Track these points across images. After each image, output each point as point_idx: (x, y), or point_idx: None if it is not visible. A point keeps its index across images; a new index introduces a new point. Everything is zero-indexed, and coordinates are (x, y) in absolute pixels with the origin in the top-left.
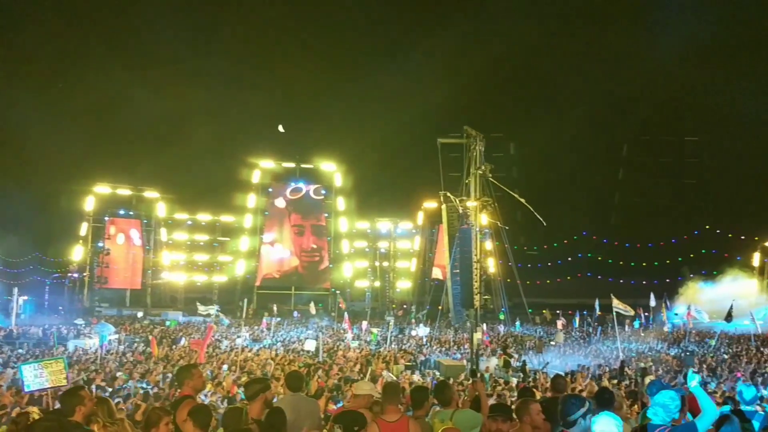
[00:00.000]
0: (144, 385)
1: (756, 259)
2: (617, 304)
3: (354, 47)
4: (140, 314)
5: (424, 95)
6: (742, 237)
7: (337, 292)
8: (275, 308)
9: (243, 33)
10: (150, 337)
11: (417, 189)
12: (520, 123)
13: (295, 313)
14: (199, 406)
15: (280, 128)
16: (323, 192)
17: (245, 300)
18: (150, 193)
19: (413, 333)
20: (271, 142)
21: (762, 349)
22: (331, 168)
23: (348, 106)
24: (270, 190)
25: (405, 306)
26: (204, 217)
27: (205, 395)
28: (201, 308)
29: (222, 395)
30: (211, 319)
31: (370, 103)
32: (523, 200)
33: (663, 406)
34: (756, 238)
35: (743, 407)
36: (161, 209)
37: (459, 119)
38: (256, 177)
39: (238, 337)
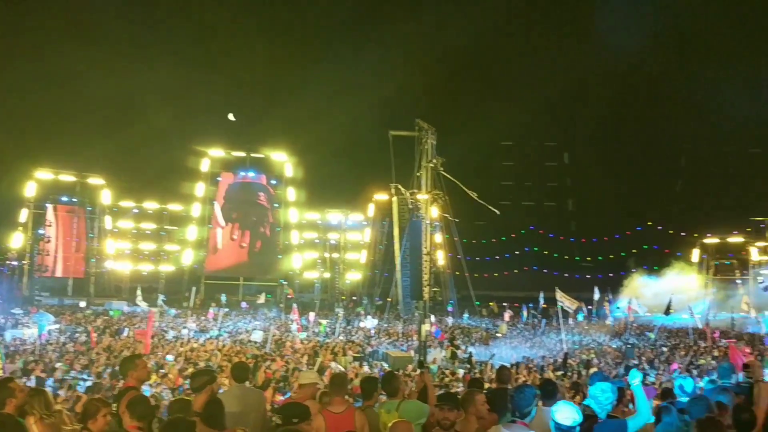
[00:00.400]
0: (85, 377)
1: (695, 255)
2: (561, 298)
3: (307, 38)
4: (83, 304)
5: (377, 88)
6: (683, 233)
7: (285, 282)
8: (224, 298)
9: (197, 19)
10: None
11: (368, 181)
12: (472, 117)
13: (243, 304)
14: (136, 397)
15: (231, 117)
16: (273, 182)
17: (192, 290)
18: (94, 180)
19: (362, 324)
20: (221, 131)
21: (699, 342)
22: (281, 158)
23: (300, 97)
24: (219, 179)
25: (354, 298)
26: (151, 205)
27: (150, 386)
28: (139, 299)
29: (168, 386)
30: (157, 309)
31: (323, 95)
32: (474, 194)
33: (595, 399)
34: (695, 235)
35: (682, 399)
36: (106, 196)
37: (411, 112)
38: (205, 165)
39: (185, 327)
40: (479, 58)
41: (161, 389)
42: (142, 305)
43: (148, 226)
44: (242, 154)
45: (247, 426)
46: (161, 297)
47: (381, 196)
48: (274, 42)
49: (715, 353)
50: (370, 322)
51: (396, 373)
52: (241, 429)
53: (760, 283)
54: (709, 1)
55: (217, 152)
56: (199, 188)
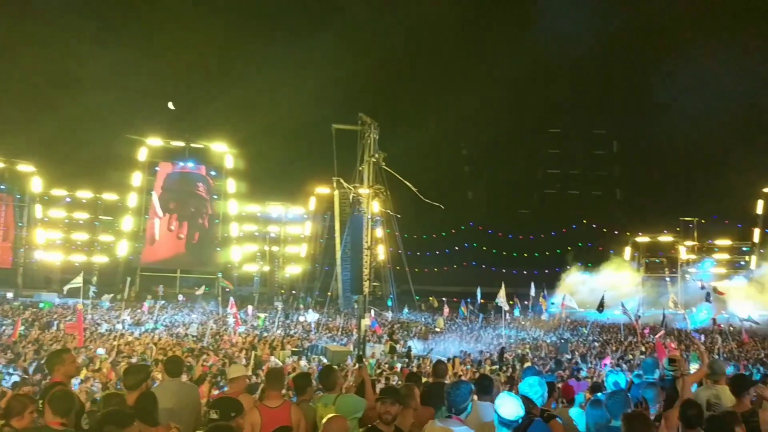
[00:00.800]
0: (11, 371)
1: (627, 253)
2: (501, 296)
3: (251, 29)
4: (10, 295)
5: (320, 81)
6: (616, 232)
7: (220, 275)
8: (161, 291)
9: (136, 5)
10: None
11: (310, 174)
12: (417, 112)
13: (180, 297)
14: (58, 392)
15: (170, 105)
16: (213, 173)
17: (127, 282)
18: (24, 167)
19: (301, 319)
20: (160, 119)
21: (629, 337)
22: (222, 149)
23: (242, 88)
24: (157, 168)
25: (294, 291)
26: (84, 194)
27: (82, 381)
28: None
29: (100, 381)
30: (89, 302)
31: (265, 86)
32: (415, 189)
33: (525, 394)
34: (628, 234)
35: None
36: (36, 184)
37: (355, 107)
38: (142, 155)
39: (119, 320)
40: (424, 53)
41: (90, 384)
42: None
43: (81, 215)
44: (181, 143)
45: (180, 422)
46: (92, 288)
47: (323, 190)
48: (217, 31)
49: (642, 348)
50: (309, 316)
51: (333, 367)
52: (175, 425)
53: (695, 281)
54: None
55: (155, 141)
56: (136, 178)
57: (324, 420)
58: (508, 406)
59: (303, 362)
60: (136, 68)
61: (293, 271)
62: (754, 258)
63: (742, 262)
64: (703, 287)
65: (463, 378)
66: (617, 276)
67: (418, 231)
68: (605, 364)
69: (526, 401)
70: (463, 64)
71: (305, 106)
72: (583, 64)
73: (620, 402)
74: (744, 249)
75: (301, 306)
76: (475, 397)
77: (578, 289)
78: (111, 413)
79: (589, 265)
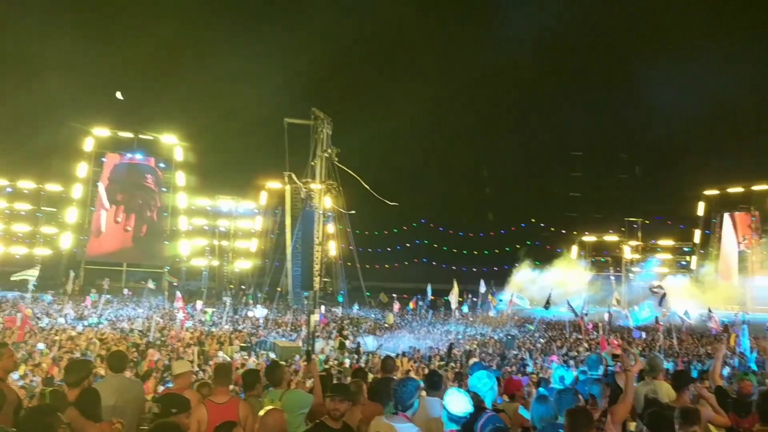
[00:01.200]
0: None
1: (574, 252)
2: (454, 292)
3: (204, 20)
4: None
5: (274, 75)
6: (563, 231)
7: (167, 269)
8: (106, 284)
9: None
10: None
11: (261, 168)
12: (371, 108)
13: (126, 291)
14: None
15: (119, 95)
16: (162, 165)
17: (71, 275)
18: None
19: (250, 314)
20: (108, 109)
21: (574, 334)
22: (172, 141)
23: (194, 80)
24: (104, 159)
25: (243, 286)
26: (27, 184)
27: (21, 377)
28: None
29: (40, 376)
30: (29, 295)
31: (217, 79)
32: (367, 186)
33: (475, 388)
34: (575, 233)
35: (556, 387)
36: None
37: (308, 101)
38: (88, 145)
39: (61, 315)
40: (378, 50)
41: (29, 380)
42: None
43: (23, 206)
44: (130, 134)
45: (124, 418)
46: (32, 281)
47: (274, 185)
48: (169, 22)
49: (586, 345)
50: (258, 312)
51: (280, 362)
52: (118, 421)
53: (656, 291)
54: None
55: (102, 131)
56: (82, 168)
57: (261, 413)
58: (457, 402)
59: (252, 358)
60: (83, 56)
61: (243, 266)
62: (694, 258)
63: (684, 262)
64: (657, 290)
65: (412, 374)
66: (565, 274)
67: (370, 227)
68: (552, 360)
69: (475, 397)
70: (417, 61)
71: (257, 99)
72: (534, 63)
73: (569, 399)
74: (685, 249)
75: (251, 301)
76: (424, 393)
77: (527, 286)
78: (37, 409)
79: (538, 263)
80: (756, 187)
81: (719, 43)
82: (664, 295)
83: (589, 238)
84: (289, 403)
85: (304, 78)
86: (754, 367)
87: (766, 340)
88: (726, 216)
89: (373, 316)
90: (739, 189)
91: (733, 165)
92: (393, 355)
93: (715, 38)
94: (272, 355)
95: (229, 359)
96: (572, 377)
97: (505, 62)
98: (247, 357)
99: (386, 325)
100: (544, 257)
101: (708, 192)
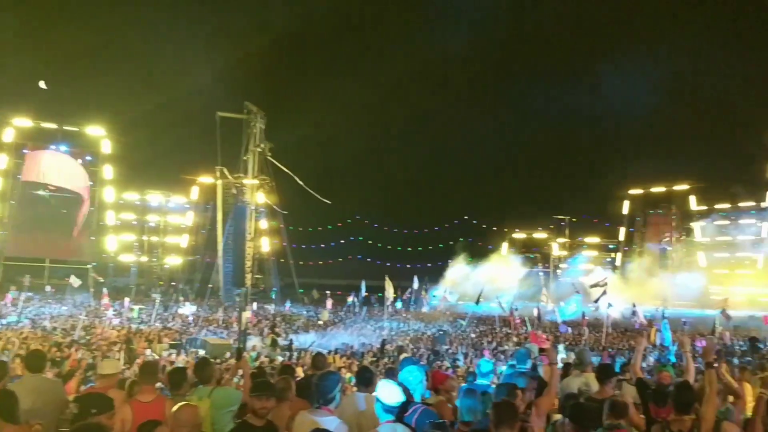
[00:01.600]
0: None
1: (504, 248)
2: (389, 289)
3: (133, 10)
4: None
5: (206, 67)
6: (494, 228)
7: (90, 266)
8: (27, 281)
9: None
10: None
11: (193, 163)
12: (306, 104)
13: (48, 288)
14: None
15: (42, 84)
16: (89, 158)
17: None
18: None
19: (180, 311)
20: (30, 99)
21: (504, 329)
22: (99, 133)
23: (123, 72)
24: (25, 151)
25: (173, 283)
26: None
27: None
28: None
29: None
30: None
31: (146, 69)
32: (301, 182)
33: (406, 382)
34: (506, 230)
35: (479, 379)
36: None
37: (242, 95)
38: (8, 135)
39: None
40: (313, 45)
41: None
42: None
43: None
44: (53, 125)
45: (44, 420)
46: None
47: (206, 179)
48: (97, 11)
49: (516, 339)
50: (188, 309)
51: (209, 359)
52: (38, 423)
53: (599, 283)
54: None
55: (23, 122)
56: (2, 160)
57: (173, 409)
58: (389, 392)
59: (182, 356)
60: (3, 43)
61: (173, 262)
62: (619, 255)
63: (609, 259)
64: (601, 285)
65: (344, 371)
66: (496, 270)
67: (303, 223)
68: (483, 355)
69: (405, 390)
70: (353, 56)
71: (189, 92)
72: (470, 60)
73: (503, 393)
74: (611, 246)
75: (181, 298)
76: (355, 389)
77: (461, 282)
78: None
79: (471, 259)
80: (677, 187)
81: (645, 48)
82: (605, 291)
83: (519, 235)
84: (218, 400)
85: (238, 71)
86: (673, 359)
87: (683, 333)
88: (649, 214)
89: (305, 312)
90: (661, 189)
91: (656, 166)
92: (325, 352)
93: (640, 43)
94: (202, 353)
95: (157, 357)
96: (489, 367)
97: (442, 58)
98: (177, 355)
99: (320, 322)
100: (477, 253)
101: (632, 191)
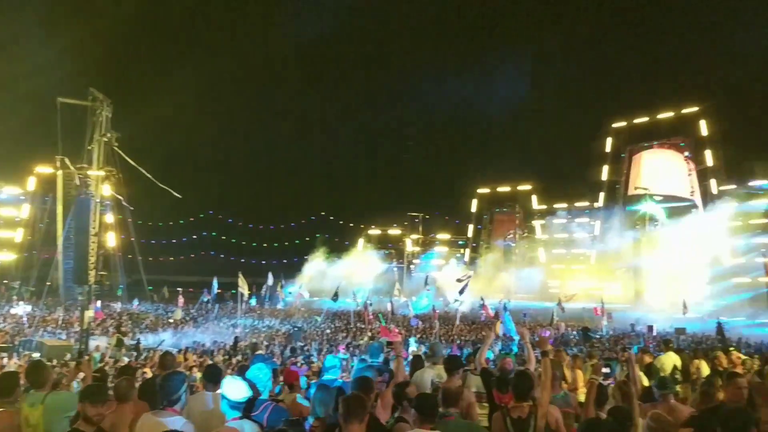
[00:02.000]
0: None
1: (360, 244)
2: (242, 285)
3: None
4: None
5: (46, 47)
6: (351, 224)
7: None
8: None
9: None
10: None
11: (30, 151)
12: (155, 94)
13: None
14: None
15: None
16: None
17: None
18: None
19: (13, 311)
20: None
21: (358, 324)
22: None
23: None
24: None
25: (6, 281)
26: None
27: None
28: None
29: None
30: None
31: None
32: (149, 175)
33: (255, 378)
34: (362, 226)
35: (326, 375)
36: None
37: (86, 80)
38: None
39: None
40: (166, 30)
41: None
42: None
43: None
44: None
45: None
46: None
47: (44, 169)
48: None
49: (370, 334)
50: (22, 309)
51: (42, 361)
52: None
53: (459, 279)
54: None
55: None
56: None
57: None
58: (234, 388)
59: (14, 359)
60: None
61: (5, 258)
62: (467, 251)
63: (459, 254)
64: (463, 279)
65: (195, 369)
66: (353, 266)
67: (153, 218)
68: (339, 351)
69: (252, 386)
70: (206, 46)
71: (27, 73)
72: (319, 51)
73: (357, 387)
74: (460, 242)
75: (14, 297)
76: (202, 388)
77: (318, 278)
78: None
79: (328, 255)
80: (521, 188)
81: (498, 55)
82: (466, 285)
83: (374, 231)
84: (52, 405)
85: (83, 54)
86: (515, 349)
87: (524, 325)
88: (495, 212)
89: (155, 311)
90: (506, 189)
91: (502, 167)
92: (175, 351)
93: (492, 50)
94: (37, 356)
95: None
96: (333, 361)
97: (299, 52)
98: (6, 359)
99: (171, 321)
100: (334, 249)
101: (481, 190)
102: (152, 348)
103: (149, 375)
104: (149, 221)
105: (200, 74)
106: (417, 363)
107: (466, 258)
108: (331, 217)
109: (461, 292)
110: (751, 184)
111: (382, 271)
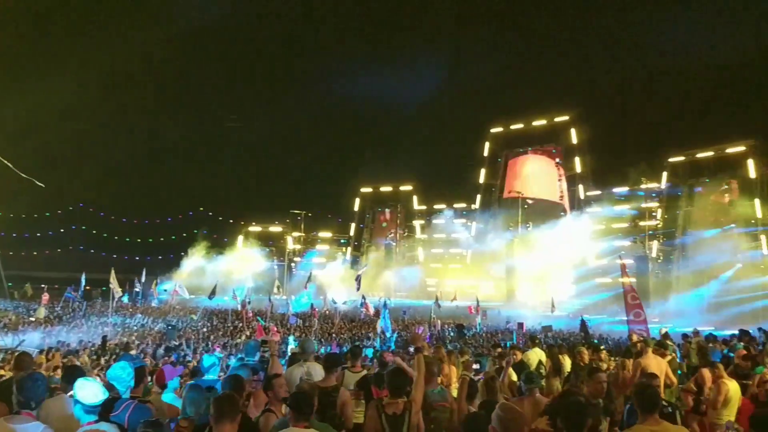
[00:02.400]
0: None
1: (241, 241)
2: (113, 282)
3: None
4: None
5: None
6: (231, 221)
7: None
8: None
9: None
10: None
11: None
12: (22, 78)
13: None
14: None
15: None
16: None
17: None
18: None
19: None
20: None
21: (236, 322)
22: None
23: None
24: None
25: None
26: None
27: None
28: None
29: None
30: None
31: None
32: (7, 162)
33: (117, 376)
34: (242, 223)
35: (206, 375)
36: None
37: None
38: None
39: None
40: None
41: None
42: None
43: None
44: None
45: None
46: None
47: None
48: None
49: (248, 332)
50: None
51: None
52: None
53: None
54: None
55: None
56: None
57: None
58: (87, 391)
59: None
60: None
61: None
62: (349, 249)
63: (341, 253)
64: (358, 279)
65: (59, 371)
66: (233, 263)
67: (14, 209)
68: (216, 349)
69: (110, 386)
70: (91, 23)
71: None
72: (212, 43)
73: (228, 386)
74: (342, 241)
75: None
76: (60, 391)
77: (197, 275)
78: None
79: (207, 252)
80: (402, 188)
81: (398, 50)
82: (358, 278)
83: (255, 228)
84: None
85: None
86: (393, 347)
87: (403, 322)
88: (377, 212)
89: (14, 309)
90: (388, 188)
91: (384, 166)
92: (36, 351)
93: (392, 46)
94: None
95: None
96: (210, 361)
97: (178, 40)
98: None
99: (33, 319)
100: (213, 246)
101: (363, 189)
102: (10, 349)
103: (6, 377)
104: (10, 213)
105: (78, 61)
106: (293, 361)
107: (348, 256)
108: (210, 213)
109: (358, 287)
110: (614, 190)
111: (262, 269)
